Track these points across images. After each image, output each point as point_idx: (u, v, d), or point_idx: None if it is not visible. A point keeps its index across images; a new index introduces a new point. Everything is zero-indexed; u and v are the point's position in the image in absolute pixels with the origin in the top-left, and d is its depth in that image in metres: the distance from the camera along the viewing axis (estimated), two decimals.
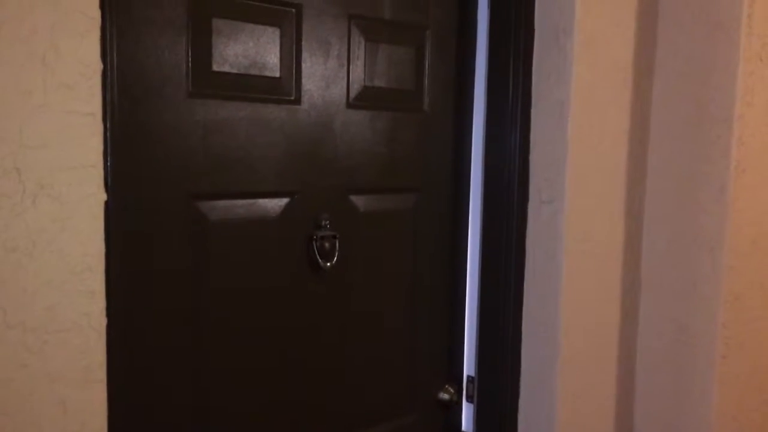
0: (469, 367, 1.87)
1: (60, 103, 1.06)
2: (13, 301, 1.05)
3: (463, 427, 1.90)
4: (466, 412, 1.89)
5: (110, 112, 1.18)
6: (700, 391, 1.72)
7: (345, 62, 1.58)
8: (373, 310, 1.71)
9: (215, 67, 1.38)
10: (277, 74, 1.48)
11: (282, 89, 1.49)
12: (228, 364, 1.46)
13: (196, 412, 1.43)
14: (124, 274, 1.27)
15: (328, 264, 1.57)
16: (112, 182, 1.19)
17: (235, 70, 1.41)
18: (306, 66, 1.51)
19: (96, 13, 1.09)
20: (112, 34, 1.18)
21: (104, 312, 1.14)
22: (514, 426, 1.79)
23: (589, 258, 1.73)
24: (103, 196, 1.13)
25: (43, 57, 1.04)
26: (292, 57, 1.50)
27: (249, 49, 1.42)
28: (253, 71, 1.44)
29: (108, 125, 1.16)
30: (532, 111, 1.70)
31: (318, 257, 1.56)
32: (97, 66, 1.10)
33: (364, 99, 1.62)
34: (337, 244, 1.58)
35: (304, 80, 1.51)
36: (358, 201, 1.65)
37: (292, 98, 1.50)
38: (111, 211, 1.16)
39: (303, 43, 1.50)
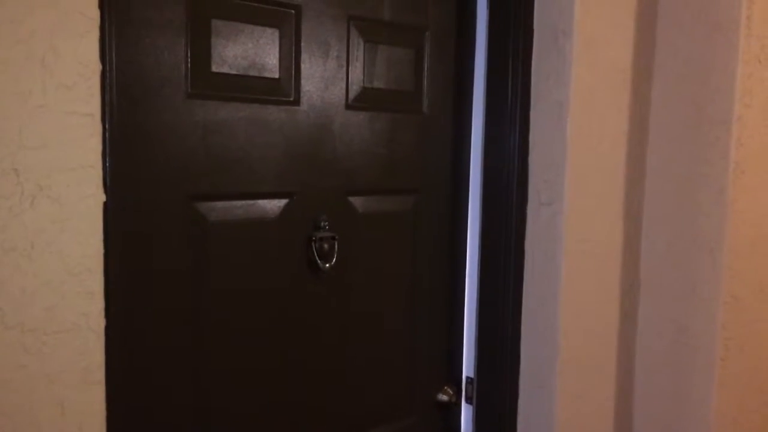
0: (468, 368, 1.87)
1: (59, 104, 1.06)
2: (12, 301, 1.05)
3: (462, 429, 1.90)
4: (465, 414, 1.89)
5: (109, 113, 1.18)
6: (700, 393, 1.72)
7: (344, 63, 1.58)
8: (373, 312, 1.71)
9: (214, 68, 1.38)
10: (277, 75, 1.48)
11: (281, 90, 1.49)
12: (227, 366, 1.46)
13: (196, 413, 1.43)
14: (123, 275, 1.27)
15: (327, 265, 1.57)
16: (111, 183, 1.18)
17: (234, 71, 1.41)
18: (305, 67, 1.51)
19: (95, 14, 1.09)
20: (111, 34, 1.18)
21: (103, 313, 1.14)
22: (514, 427, 1.78)
23: (589, 259, 1.73)
24: (102, 197, 1.13)
25: (42, 57, 1.04)
26: (291, 58, 1.50)
27: (248, 50, 1.43)
28: (253, 72, 1.44)
29: (107, 126, 1.16)
30: (532, 112, 1.70)
31: (317, 258, 1.56)
32: (96, 67, 1.10)
33: (364, 100, 1.62)
34: (336, 245, 1.58)
35: (303, 81, 1.51)
36: (357, 202, 1.65)
37: (292, 99, 1.50)
38: (110, 212, 1.16)
39: (302, 44, 1.50)
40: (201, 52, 1.36)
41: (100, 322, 1.14)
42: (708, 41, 1.66)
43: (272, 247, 1.51)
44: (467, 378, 1.87)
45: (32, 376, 1.08)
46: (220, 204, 1.42)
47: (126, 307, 1.29)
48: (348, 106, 1.60)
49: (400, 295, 1.76)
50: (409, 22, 1.69)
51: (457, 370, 1.89)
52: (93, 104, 1.10)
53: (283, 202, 1.52)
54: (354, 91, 1.61)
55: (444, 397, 1.88)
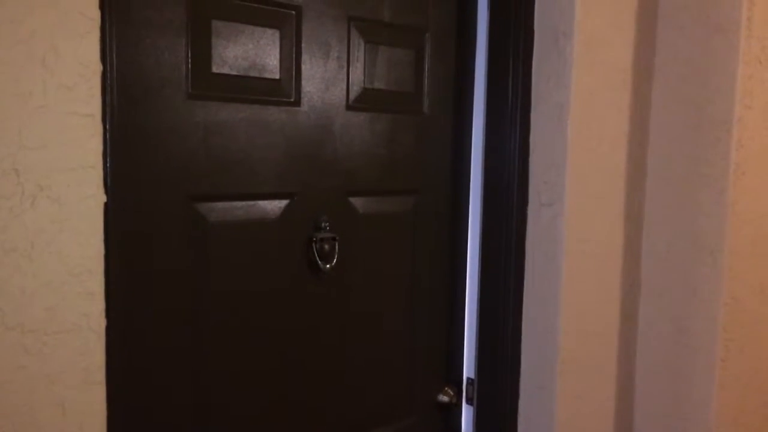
0: (468, 369, 1.87)
1: (59, 104, 1.06)
2: (12, 302, 1.05)
3: (463, 430, 1.90)
4: (466, 414, 1.89)
5: (110, 114, 1.17)
6: (700, 394, 1.72)
7: (345, 64, 1.58)
8: (373, 312, 1.71)
9: (215, 69, 1.38)
10: (277, 76, 1.48)
11: (282, 91, 1.49)
12: (227, 366, 1.46)
13: (196, 414, 1.43)
14: (123, 276, 1.27)
15: (328, 266, 1.57)
16: (112, 183, 1.18)
17: (234, 72, 1.41)
18: (306, 68, 1.52)
19: (95, 14, 1.09)
20: (112, 35, 1.18)
21: (103, 313, 1.14)
22: (514, 428, 1.78)
23: (589, 260, 1.73)
24: (103, 198, 1.13)
25: (42, 58, 1.04)
26: (291, 59, 1.50)
27: (249, 50, 1.43)
28: (253, 73, 1.44)
29: (107, 126, 1.16)
30: (532, 113, 1.70)
31: (317, 259, 1.56)
32: (97, 67, 1.10)
33: (364, 101, 1.62)
34: (337, 246, 1.58)
35: (303, 82, 1.51)
36: (358, 203, 1.65)
37: (292, 100, 1.51)
38: (110, 213, 1.16)
39: (303, 45, 1.50)
40: (201, 53, 1.36)
41: (100, 323, 1.14)
42: (708, 42, 1.66)
43: (273, 248, 1.51)
44: (468, 379, 1.87)
45: (33, 376, 1.08)
46: (220, 204, 1.42)
47: (126, 308, 1.29)
48: (348, 107, 1.60)
49: (400, 296, 1.76)
50: (410, 22, 1.69)
51: (457, 371, 1.89)
52: (93, 105, 1.10)
53: (283, 202, 1.52)
54: (354, 91, 1.61)
55: (444, 398, 1.87)
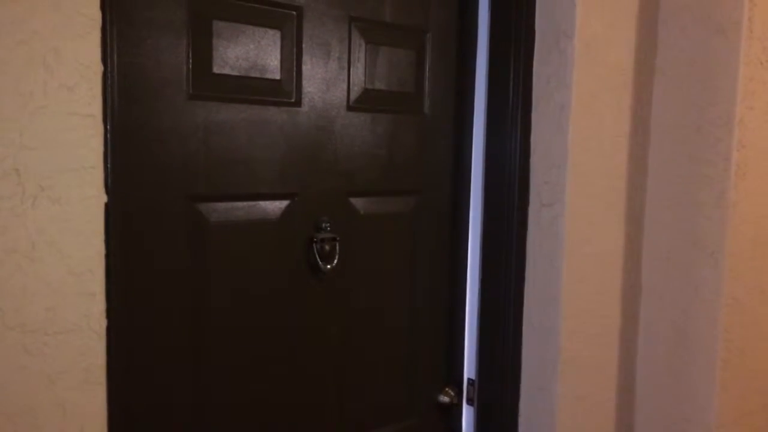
0: (469, 369, 1.87)
1: (60, 105, 1.06)
2: (13, 302, 1.05)
3: (464, 430, 1.90)
4: (467, 415, 1.89)
5: (111, 114, 1.18)
6: (701, 395, 1.72)
7: (345, 65, 1.58)
8: (373, 313, 1.71)
9: (216, 70, 1.38)
10: (278, 76, 1.48)
11: (282, 91, 1.49)
12: (228, 366, 1.46)
13: (196, 414, 1.43)
14: (124, 276, 1.27)
15: (328, 266, 1.57)
16: (113, 184, 1.18)
17: (235, 73, 1.41)
18: (306, 68, 1.52)
19: (96, 15, 1.09)
20: (113, 35, 1.18)
21: (104, 313, 1.15)
22: (515, 429, 1.78)
23: (590, 261, 1.72)
24: (104, 198, 1.13)
25: (43, 58, 1.04)
26: (292, 59, 1.50)
27: (249, 51, 1.43)
28: (254, 73, 1.44)
29: (108, 127, 1.16)
30: (533, 114, 1.70)
31: (318, 259, 1.56)
32: (98, 68, 1.11)
33: (365, 101, 1.62)
34: (337, 247, 1.58)
35: (304, 83, 1.51)
36: (358, 203, 1.65)
37: (293, 100, 1.51)
38: (111, 213, 1.16)
39: (303, 45, 1.50)
40: (202, 54, 1.36)
41: (101, 323, 1.14)
42: (709, 43, 1.66)
43: (273, 248, 1.51)
44: (468, 379, 1.87)
45: (33, 376, 1.08)
46: (221, 205, 1.42)
47: (127, 308, 1.29)
48: (349, 108, 1.60)
49: (401, 297, 1.76)
50: (411, 23, 1.69)
51: (458, 372, 1.89)
52: (94, 105, 1.10)
53: (284, 203, 1.52)
54: (355, 92, 1.61)
55: (445, 399, 1.87)
